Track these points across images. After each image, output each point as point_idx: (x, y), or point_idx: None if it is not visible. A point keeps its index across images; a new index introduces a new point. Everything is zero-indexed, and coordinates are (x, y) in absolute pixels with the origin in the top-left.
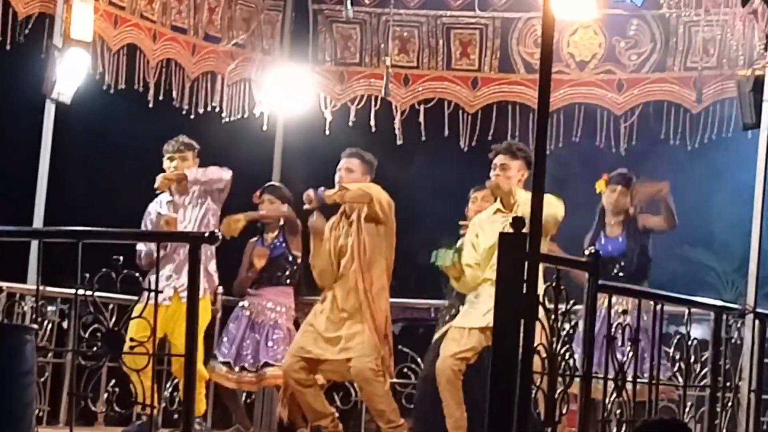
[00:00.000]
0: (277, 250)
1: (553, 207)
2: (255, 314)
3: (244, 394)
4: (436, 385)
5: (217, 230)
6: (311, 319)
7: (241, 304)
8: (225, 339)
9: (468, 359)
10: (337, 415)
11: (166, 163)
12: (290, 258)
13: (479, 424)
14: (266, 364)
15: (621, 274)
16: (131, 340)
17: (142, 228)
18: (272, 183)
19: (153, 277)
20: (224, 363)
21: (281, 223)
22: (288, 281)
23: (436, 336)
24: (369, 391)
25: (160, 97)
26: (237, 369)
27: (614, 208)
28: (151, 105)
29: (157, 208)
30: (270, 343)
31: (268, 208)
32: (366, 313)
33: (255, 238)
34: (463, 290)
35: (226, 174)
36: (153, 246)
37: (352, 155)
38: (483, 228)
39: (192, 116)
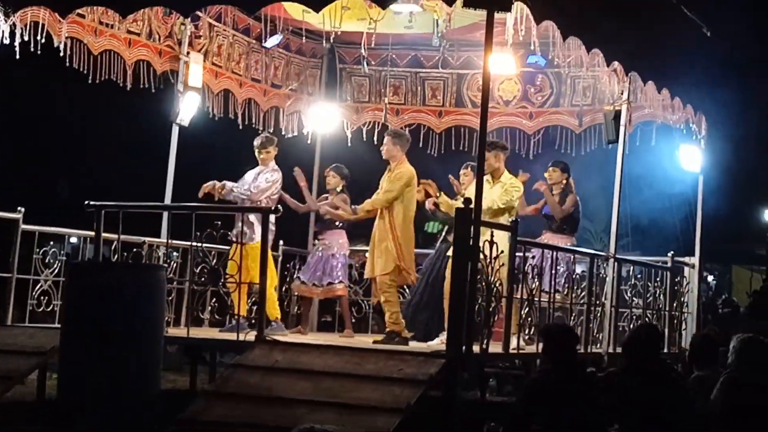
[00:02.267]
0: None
1: (518, 189)
2: (322, 249)
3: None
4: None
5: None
6: None
7: (314, 243)
8: (304, 266)
9: None
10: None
11: (257, 154)
12: None
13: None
14: (329, 282)
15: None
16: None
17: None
18: (337, 164)
19: (234, 231)
20: (303, 282)
21: (339, 189)
22: (339, 224)
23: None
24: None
25: (246, 122)
26: (310, 284)
27: (550, 181)
28: (240, 127)
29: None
30: (330, 268)
31: (330, 181)
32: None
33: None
34: None
35: (248, 194)
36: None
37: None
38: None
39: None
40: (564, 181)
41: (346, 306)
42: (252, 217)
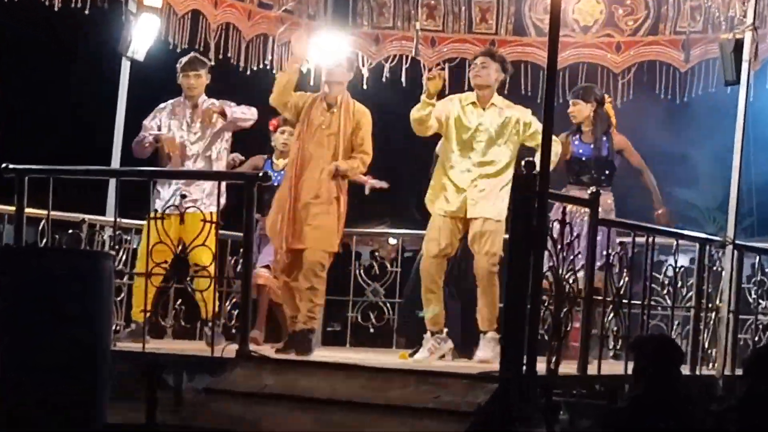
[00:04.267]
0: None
1: (557, 145)
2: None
3: None
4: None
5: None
6: None
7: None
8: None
9: (449, 254)
10: None
11: (182, 80)
12: None
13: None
14: None
15: (586, 177)
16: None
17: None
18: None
19: (164, 193)
20: (265, 266)
21: None
22: None
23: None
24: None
25: (220, 56)
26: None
27: (575, 120)
28: (212, 63)
29: (156, 126)
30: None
31: (288, 137)
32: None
33: (265, 157)
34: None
35: (254, 114)
36: (149, 138)
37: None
38: (462, 114)
39: (248, 72)
40: (593, 113)
41: (264, 303)
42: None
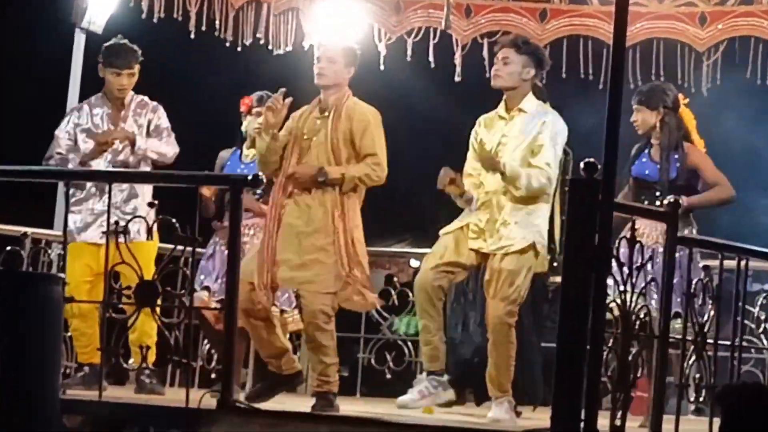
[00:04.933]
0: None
1: (544, 174)
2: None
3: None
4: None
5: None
6: None
7: (214, 241)
8: (202, 276)
9: (453, 274)
10: None
11: (111, 78)
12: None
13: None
14: None
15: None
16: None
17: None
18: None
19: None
20: (205, 288)
21: None
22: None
23: None
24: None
25: (203, 28)
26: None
27: (640, 131)
28: (192, 36)
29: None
30: None
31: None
32: None
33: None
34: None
35: (172, 151)
36: (71, 156)
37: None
38: (483, 135)
39: (238, 48)
40: (659, 121)
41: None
42: (143, 188)
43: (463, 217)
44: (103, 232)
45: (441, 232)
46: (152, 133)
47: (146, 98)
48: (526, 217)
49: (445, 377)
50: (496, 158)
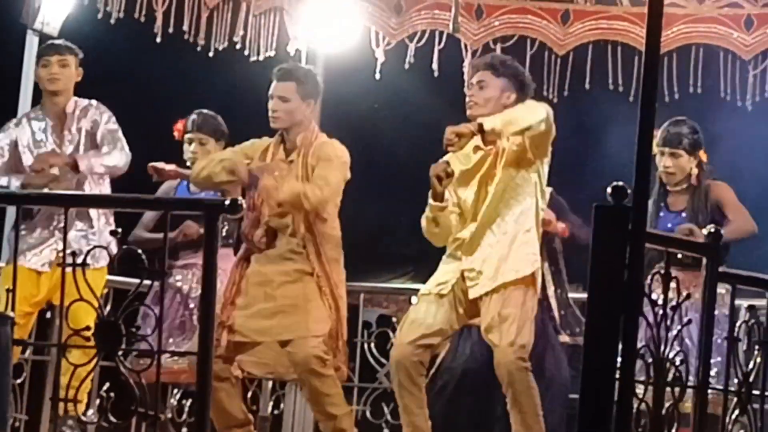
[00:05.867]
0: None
1: (532, 109)
2: (188, 289)
3: (271, 404)
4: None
5: None
6: None
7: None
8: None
9: (434, 346)
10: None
11: (40, 71)
12: None
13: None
14: None
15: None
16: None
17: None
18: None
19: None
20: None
21: None
22: (229, 240)
23: None
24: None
25: (170, 30)
26: (166, 357)
27: (666, 177)
28: (158, 40)
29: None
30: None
31: (197, 148)
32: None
33: (177, 183)
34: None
35: (125, 160)
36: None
37: (284, 77)
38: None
39: (210, 53)
40: (695, 169)
41: None
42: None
43: (441, 272)
44: (58, 264)
45: (419, 293)
46: (99, 140)
47: (93, 102)
48: (520, 242)
49: None
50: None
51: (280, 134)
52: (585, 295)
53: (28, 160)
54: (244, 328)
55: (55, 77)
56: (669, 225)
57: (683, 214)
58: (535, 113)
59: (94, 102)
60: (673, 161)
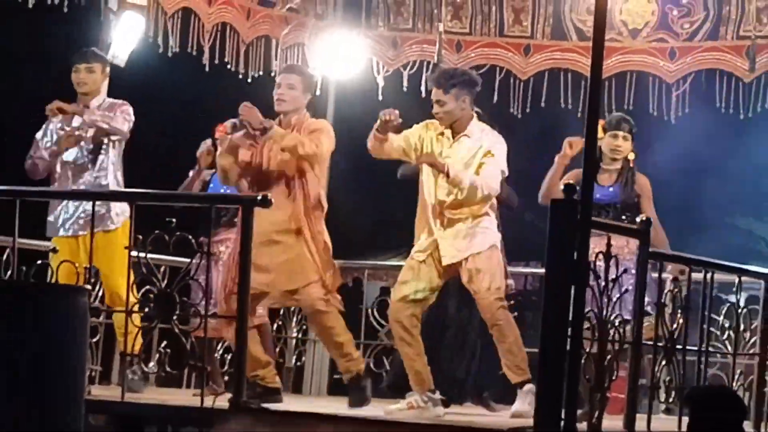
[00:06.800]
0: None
1: (488, 187)
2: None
3: (294, 357)
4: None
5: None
6: None
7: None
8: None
9: (424, 300)
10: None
11: (72, 76)
12: None
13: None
14: None
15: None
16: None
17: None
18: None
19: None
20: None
21: None
22: (234, 220)
23: None
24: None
25: (215, 62)
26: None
27: (614, 154)
28: (207, 69)
29: (46, 140)
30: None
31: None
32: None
33: (210, 178)
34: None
35: (126, 125)
36: (46, 157)
37: (290, 70)
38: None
39: (249, 80)
40: (632, 154)
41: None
42: (114, 180)
43: (422, 244)
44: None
45: (407, 259)
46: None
47: (116, 101)
48: (483, 226)
49: (437, 394)
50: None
51: (278, 119)
52: (543, 270)
53: None
54: (255, 282)
55: (83, 81)
56: (597, 196)
57: (610, 189)
58: (488, 190)
59: (120, 101)
60: (624, 143)
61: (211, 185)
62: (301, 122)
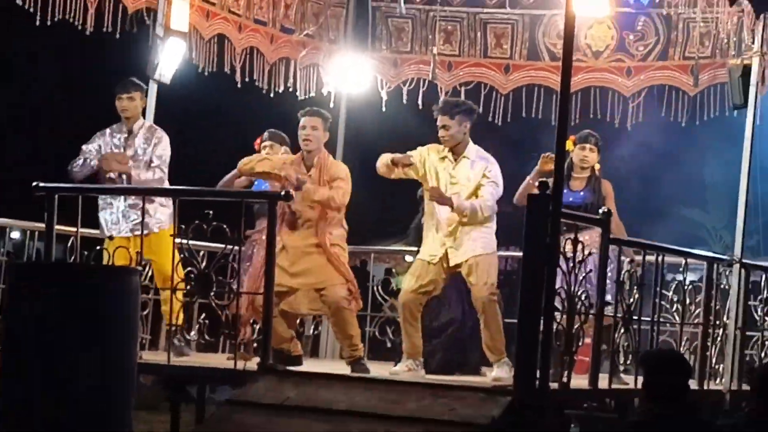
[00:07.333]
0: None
1: (485, 208)
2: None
3: (312, 327)
4: None
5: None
6: None
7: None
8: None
9: (429, 292)
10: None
11: (116, 103)
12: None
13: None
14: None
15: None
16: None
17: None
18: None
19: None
20: None
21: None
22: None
23: None
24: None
25: (246, 79)
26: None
27: (583, 164)
28: (238, 86)
29: (94, 150)
30: None
31: (269, 151)
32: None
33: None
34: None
35: (159, 173)
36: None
37: (314, 114)
38: (438, 172)
39: (272, 95)
40: (598, 164)
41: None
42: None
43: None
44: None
45: (418, 256)
46: (149, 159)
47: (155, 126)
48: (483, 234)
49: (420, 360)
50: (446, 194)
51: (301, 154)
52: (521, 253)
53: None
54: (284, 280)
55: (125, 108)
56: (570, 199)
57: (581, 193)
58: (488, 211)
59: (155, 126)
60: (590, 154)
61: (255, 183)
62: (322, 160)
